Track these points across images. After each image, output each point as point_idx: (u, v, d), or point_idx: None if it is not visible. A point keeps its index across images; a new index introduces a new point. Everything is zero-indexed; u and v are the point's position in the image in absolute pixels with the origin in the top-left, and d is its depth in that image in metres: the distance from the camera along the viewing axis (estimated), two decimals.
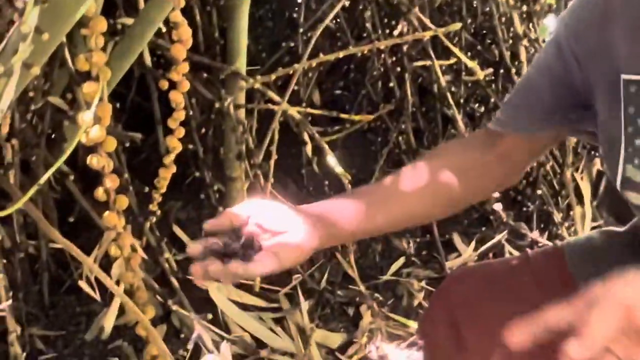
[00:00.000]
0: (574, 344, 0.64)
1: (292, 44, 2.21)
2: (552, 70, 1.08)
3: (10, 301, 1.46)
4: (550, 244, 2.38)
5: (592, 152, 2.57)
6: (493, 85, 2.49)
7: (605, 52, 0.99)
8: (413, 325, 2.06)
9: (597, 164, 2.56)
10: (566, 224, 2.46)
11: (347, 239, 1.12)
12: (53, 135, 1.68)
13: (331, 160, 1.84)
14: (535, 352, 1.22)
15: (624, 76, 0.96)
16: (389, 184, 1.12)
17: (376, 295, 2.14)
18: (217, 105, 1.88)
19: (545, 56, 1.11)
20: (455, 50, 2.09)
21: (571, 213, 2.46)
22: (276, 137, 2.01)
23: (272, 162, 1.98)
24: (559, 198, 2.52)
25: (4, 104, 1.04)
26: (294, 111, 1.98)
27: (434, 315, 1.33)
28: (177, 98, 1.46)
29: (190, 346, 1.70)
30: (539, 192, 2.48)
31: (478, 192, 1.25)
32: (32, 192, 1.24)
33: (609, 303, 0.65)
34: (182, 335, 1.78)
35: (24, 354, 1.51)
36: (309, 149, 2.05)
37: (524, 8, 2.45)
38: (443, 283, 1.42)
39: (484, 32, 2.54)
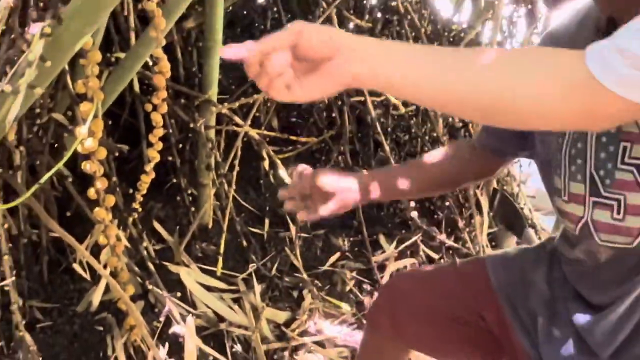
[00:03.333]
0: (250, 42, 0.72)
1: None
2: None
3: (13, 278, 1.44)
4: (455, 245, 2.42)
5: None
6: (414, 119, 2.53)
7: None
8: (345, 306, 2.08)
9: (494, 184, 2.61)
10: (468, 230, 2.50)
11: (379, 200, 1.26)
12: (56, 145, 1.67)
13: (283, 173, 1.86)
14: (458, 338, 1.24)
15: None
16: (411, 166, 1.27)
17: (316, 281, 2.15)
18: (192, 125, 1.88)
19: None
20: None
21: (472, 221, 2.50)
22: (239, 153, 2.03)
23: (234, 173, 1.99)
24: (463, 209, 2.56)
25: (12, 116, 1.04)
26: (254, 133, 2.00)
27: (379, 305, 1.34)
28: (156, 118, 1.47)
29: (162, 319, 1.70)
30: (447, 203, 2.52)
31: (462, 180, 1.31)
32: (34, 189, 1.24)
33: (287, 29, 0.73)
34: (156, 310, 1.77)
35: (24, 321, 1.49)
36: (266, 164, 2.05)
37: None
38: (388, 281, 1.45)
39: None
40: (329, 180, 1.12)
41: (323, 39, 0.73)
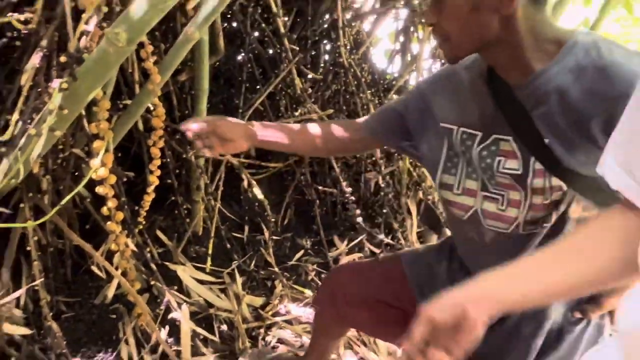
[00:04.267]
0: (406, 342, 0.71)
1: None
2: (404, 110, 1.10)
3: (42, 279, 1.43)
4: (392, 242, 2.45)
5: (417, 187, 2.67)
6: None
7: (431, 110, 1.03)
8: (308, 292, 2.09)
9: (420, 195, 2.66)
10: (401, 230, 2.53)
11: (265, 147, 1.18)
12: (76, 173, 1.66)
13: (257, 191, 1.88)
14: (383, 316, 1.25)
15: (441, 124, 1.01)
16: (300, 129, 1.18)
17: (285, 273, 2.16)
18: (185, 155, 1.88)
19: (403, 101, 1.12)
20: None
21: (405, 224, 2.55)
22: (223, 176, 2.03)
23: (220, 192, 1.99)
24: (397, 214, 2.60)
25: (36, 153, 1.04)
26: (234, 160, 2.01)
27: (321, 293, 1.37)
28: (155, 151, 1.48)
29: (163, 307, 1.69)
30: (385, 210, 2.55)
31: (340, 151, 1.27)
32: (57, 209, 1.23)
33: (420, 320, 0.72)
34: (158, 300, 1.76)
35: (51, 313, 1.47)
36: (244, 183, 2.07)
37: (377, 101, 2.55)
38: (328, 274, 1.45)
39: (354, 116, 2.61)
40: (227, 128, 1.09)
41: (449, 308, 0.68)
